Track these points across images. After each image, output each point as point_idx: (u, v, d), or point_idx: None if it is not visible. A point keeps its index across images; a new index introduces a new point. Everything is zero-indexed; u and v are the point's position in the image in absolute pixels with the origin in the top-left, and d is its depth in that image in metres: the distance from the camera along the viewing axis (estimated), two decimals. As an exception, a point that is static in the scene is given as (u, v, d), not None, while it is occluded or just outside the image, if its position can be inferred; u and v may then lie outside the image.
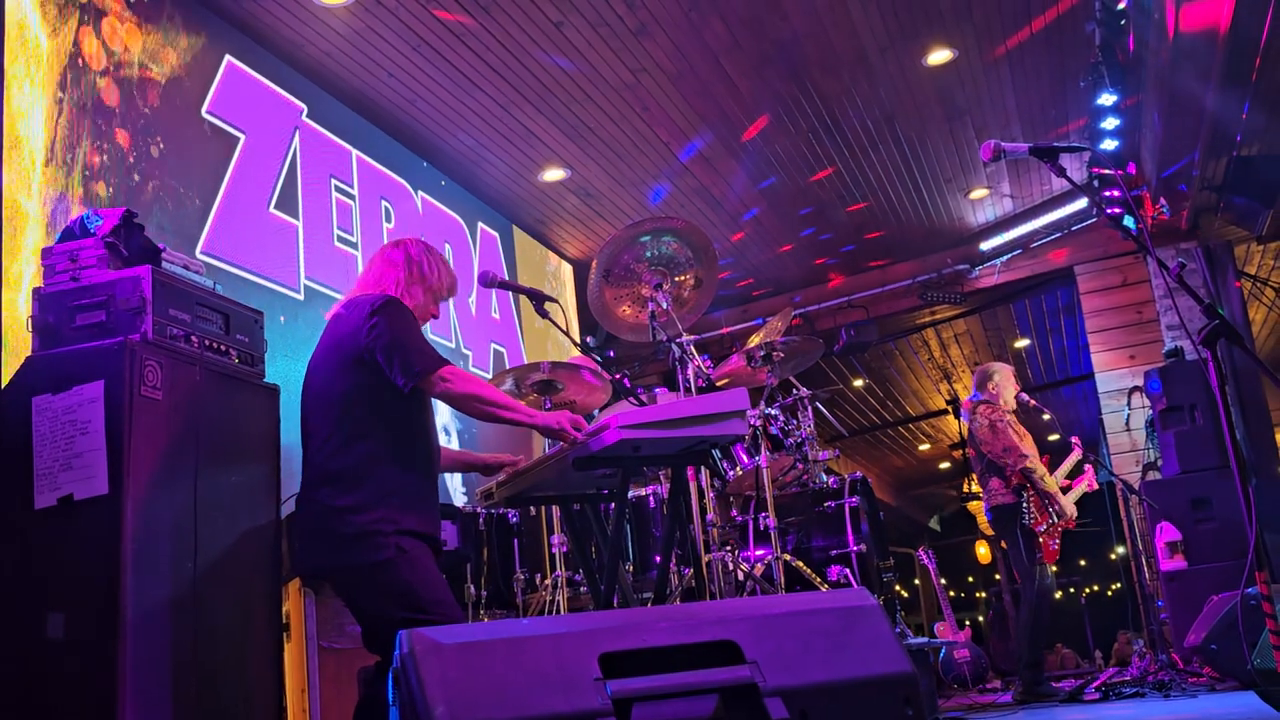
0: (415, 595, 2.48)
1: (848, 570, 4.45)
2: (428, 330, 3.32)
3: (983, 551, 16.41)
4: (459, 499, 5.64)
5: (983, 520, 10.61)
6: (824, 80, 5.77)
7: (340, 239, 5.25)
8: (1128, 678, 5.33)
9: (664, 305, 3.79)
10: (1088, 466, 5.76)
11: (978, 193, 7.43)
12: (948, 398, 11.91)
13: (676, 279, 3.91)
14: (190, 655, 2.59)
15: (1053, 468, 5.53)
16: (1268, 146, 6.11)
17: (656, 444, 2.59)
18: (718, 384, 4.22)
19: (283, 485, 3.04)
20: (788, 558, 4.18)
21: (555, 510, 4.41)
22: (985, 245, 8.03)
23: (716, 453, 4.12)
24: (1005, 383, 5.54)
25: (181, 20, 4.44)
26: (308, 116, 5.17)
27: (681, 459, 2.83)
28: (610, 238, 3.86)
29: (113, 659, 2.39)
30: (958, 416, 10.42)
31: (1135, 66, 5.63)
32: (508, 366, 6.08)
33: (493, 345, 6.50)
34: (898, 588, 5.09)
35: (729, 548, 4.02)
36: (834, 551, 4.58)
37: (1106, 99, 5.80)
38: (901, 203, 7.42)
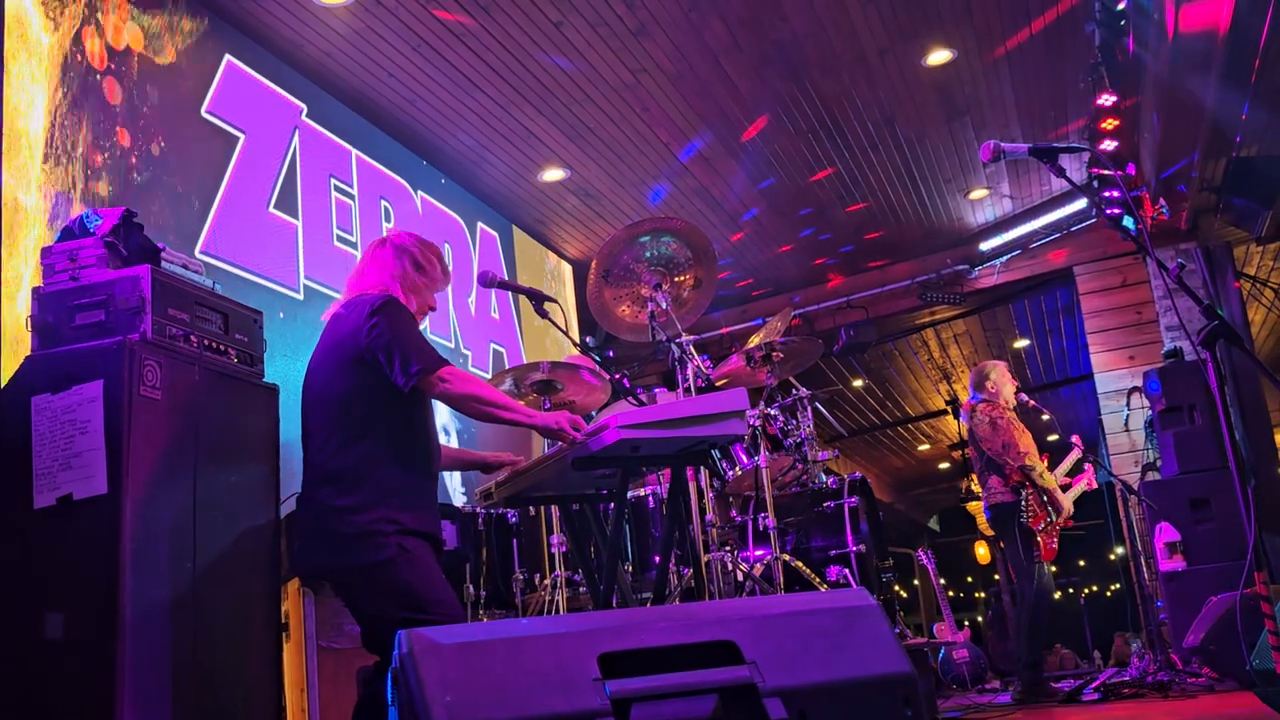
0: (415, 595, 2.48)
1: (847, 570, 4.45)
2: (427, 330, 3.32)
3: (982, 552, 16.40)
4: (458, 499, 5.64)
5: (982, 520, 10.61)
6: (823, 81, 5.77)
7: (340, 239, 5.25)
8: (1127, 678, 5.32)
9: (663, 305, 3.79)
10: (1087, 465, 5.77)
11: (977, 193, 7.43)
12: (947, 398, 11.91)
13: (676, 279, 3.91)
14: (189, 655, 2.59)
15: (1052, 467, 5.54)
16: (1267, 147, 6.11)
17: (656, 444, 2.59)
18: (717, 384, 4.22)
19: (282, 485, 3.04)
20: (787, 558, 4.18)
21: (554, 510, 4.41)
22: (985, 246, 8.04)
23: (716, 453, 4.12)
24: (1003, 380, 5.54)
25: (181, 20, 4.44)
26: (307, 116, 5.17)
27: (681, 459, 2.83)
28: (610, 238, 3.86)
29: (112, 659, 2.39)
30: (957, 417, 10.43)
31: (1135, 67, 5.63)
32: (507, 366, 6.08)
33: (492, 345, 6.50)
34: (897, 588, 5.09)
35: (728, 548, 4.02)
36: (833, 552, 4.58)
37: (1106, 99, 5.80)
38: (901, 203, 7.42)
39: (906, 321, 9.28)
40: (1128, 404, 7.39)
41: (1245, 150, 6.14)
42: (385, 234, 2.97)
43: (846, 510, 4.63)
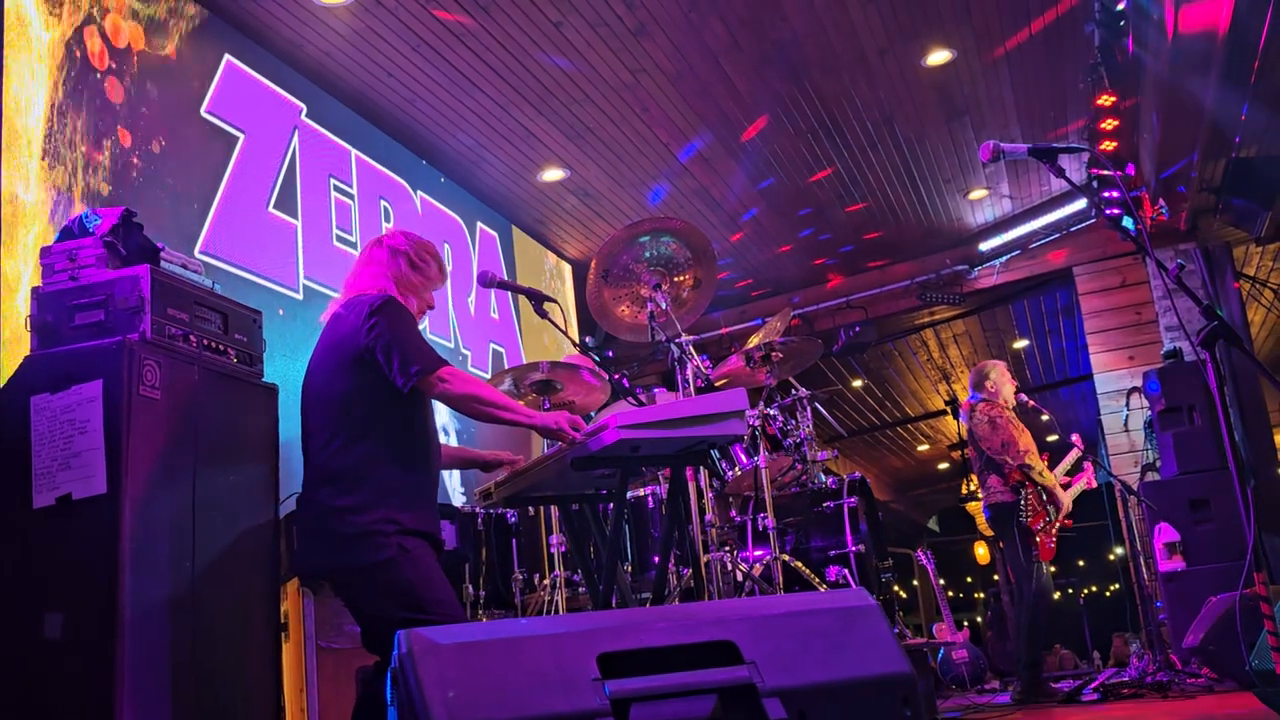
0: (415, 594, 2.48)
1: (846, 571, 4.45)
2: (426, 330, 3.31)
3: (981, 552, 16.42)
4: (457, 499, 5.64)
5: (981, 521, 10.62)
6: (823, 81, 5.78)
7: (339, 239, 5.25)
8: (1126, 679, 5.33)
9: (663, 305, 3.79)
10: (1087, 464, 5.77)
11: (977, 193, 7.43)
12: (946, 398, 11.91)
13: (675, 279, 3.91)
14: (189, 655, 2.59)
15: (1052, 466, 5.54)
16: (1266, 148, 6.11)
17: (655, 444, 2.59)
18: (716, 384, 4.22)
19: (281, 485, 3.04)
20: (786, 558, 4.18)
21: (554, 510, 4.41)
22: (984, 246, 8.04)
23: (715, 453, 4.12)
24: (1002, 380, 5.54)
25: (181, 19, 4.44)
26: (307, 116, 5.17)
27: (680, 459, 2.83)
28: (609, 238, 3.86)
29: (111, 659, 2.39)
30: (956, 417, 10.44)
31: (1134, 68, 5.63)
32: (506, 366, 6.08)
33: (491, 345, 6.50)
34: (896, 588, 5.09)
35: (727, 548, 4.02)
36: (832, 552, 4.58)
37: (1105, 100, 5.80)
38: (900, 203, 7.42)
39: (906, 322, 9.28)
40: (1127, 404, 7.39)
41: (1245, 151, 6.14)
42: (381, 234, 2.97)
43: (846, 510, 4.63)
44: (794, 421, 4.47)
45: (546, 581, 4.30)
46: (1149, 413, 6.89)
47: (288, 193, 4.92)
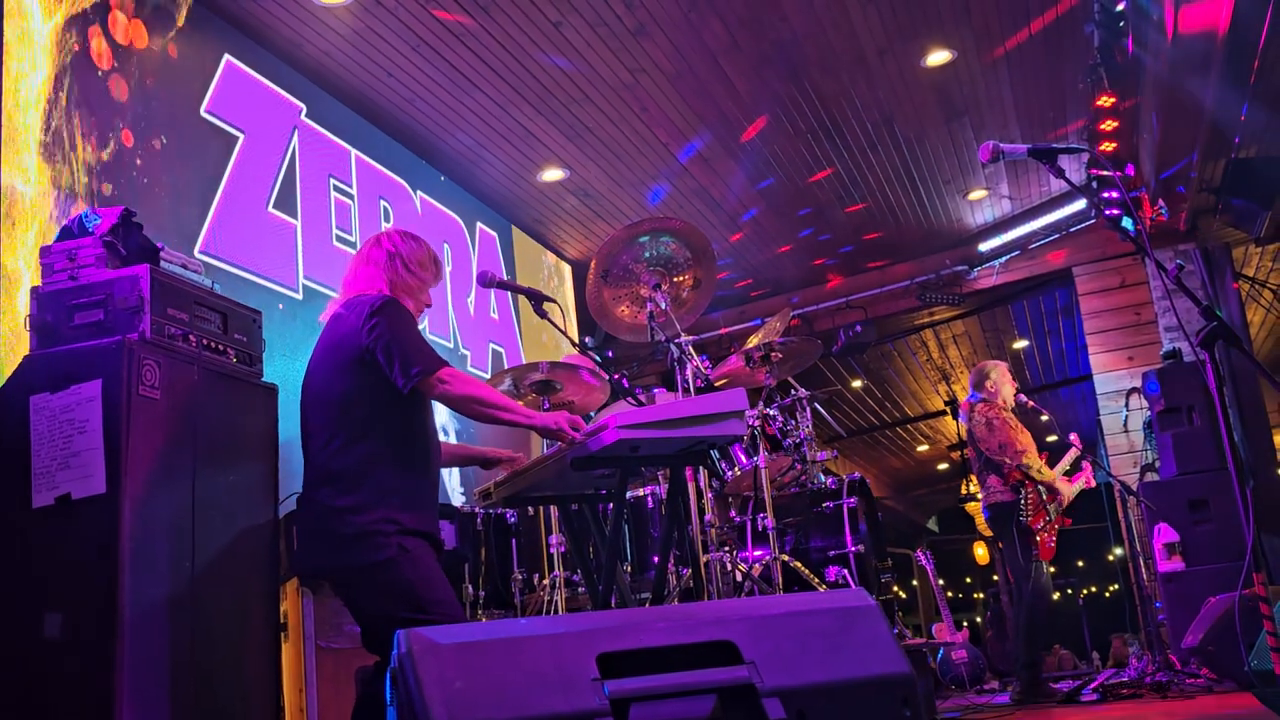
0: (415, 594, 2.48)
1: (846, 571, 4.45)
2: (426, 329, 3.31)
3: (981, 552, 16.41)
4: (457, 499, 5.64)
5: (981, 521, 10.61)
6: (823, 81, 5.78)
7: (339, 239, 5.25)
8: (1125, 679, 5.33)
9: (662, 305, 3.79)
10: (1085, 463, 5.76)
11: (976, 194, 7.43)
12: (946, 399, 11.92)
13: (675, 279, 3.91)
14: (188, 655, 2.59)
15: (1050, 466, 5.53)
16: (1266, 148, 6.11)
17: (655, 444, 2.59)
18: (716, 384, 4.22)
19: (281, 485, 3.04)
20: (786, 558, 4.18)
21: (553, 510, 4.41)
22: (984, 246, 8.04)
23: (715, 453, 4.12)
24: (1002, 380, 5.54)
25: (181, 19, 4.44)
26: (306, 116, 5.17)
27: (680, 459, 2.83)
28: (609, 238, 3.86)
29: (110, 658, 2.39)
30: (956, 417, 10.44)
31: (1134, 68, 5.63)
32: (506, 366, 6.08)
33: (491, 345, 6.49)
34: (896, 588, 5.09)
35: (727, 548, 4.02)
36: (832, 552, 4.58)
37: (1105, 100, 5.80)
38: (900, 204, 7.42)
39: (905, 322, 9.28)
40: (1126, 405, 7.40)
41: (1244, 151, 6.14)
42: (379, 233, 2.96)
43: (845, 511, 4.63)
44: (793, 422, 4.47)
45: (546, 581, 4.30)
46: (1148, 413, 6.90)
47: (287, 192, 4.92)
